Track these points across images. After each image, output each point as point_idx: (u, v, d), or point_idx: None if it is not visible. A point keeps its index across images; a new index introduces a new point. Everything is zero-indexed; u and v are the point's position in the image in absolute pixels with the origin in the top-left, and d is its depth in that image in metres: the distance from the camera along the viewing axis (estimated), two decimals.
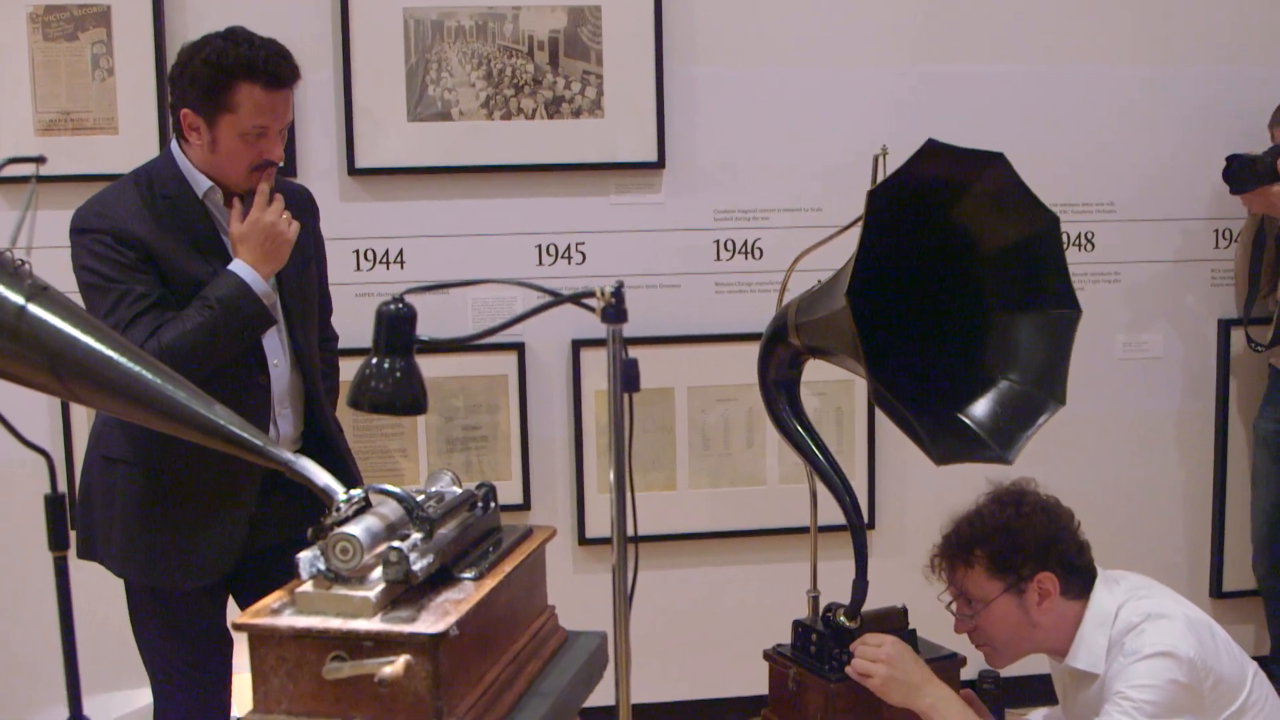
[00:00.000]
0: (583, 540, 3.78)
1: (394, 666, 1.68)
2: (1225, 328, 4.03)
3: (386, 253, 3.68)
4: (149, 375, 1.93)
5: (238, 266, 2.53)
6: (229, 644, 2.72)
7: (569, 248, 3.75)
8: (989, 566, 2.60)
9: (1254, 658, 3.78)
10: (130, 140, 3.52)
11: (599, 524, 3.78)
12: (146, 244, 2.49)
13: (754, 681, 2.87)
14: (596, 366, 3.75)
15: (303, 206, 2.78)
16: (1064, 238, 3.80)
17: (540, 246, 3.74)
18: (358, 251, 3.67)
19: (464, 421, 3.74)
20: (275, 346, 2.65)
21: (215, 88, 2.50)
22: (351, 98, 3.59)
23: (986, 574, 2.60)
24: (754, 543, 3.89)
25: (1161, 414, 4.08)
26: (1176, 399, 4.08)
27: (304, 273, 2.75)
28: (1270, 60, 3.97)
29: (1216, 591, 4.14)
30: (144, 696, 3.57)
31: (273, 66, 2.51)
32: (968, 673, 3.60)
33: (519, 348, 3.73)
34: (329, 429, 2.77)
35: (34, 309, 1.90)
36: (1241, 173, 3.71)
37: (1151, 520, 4.12)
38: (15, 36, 3.49)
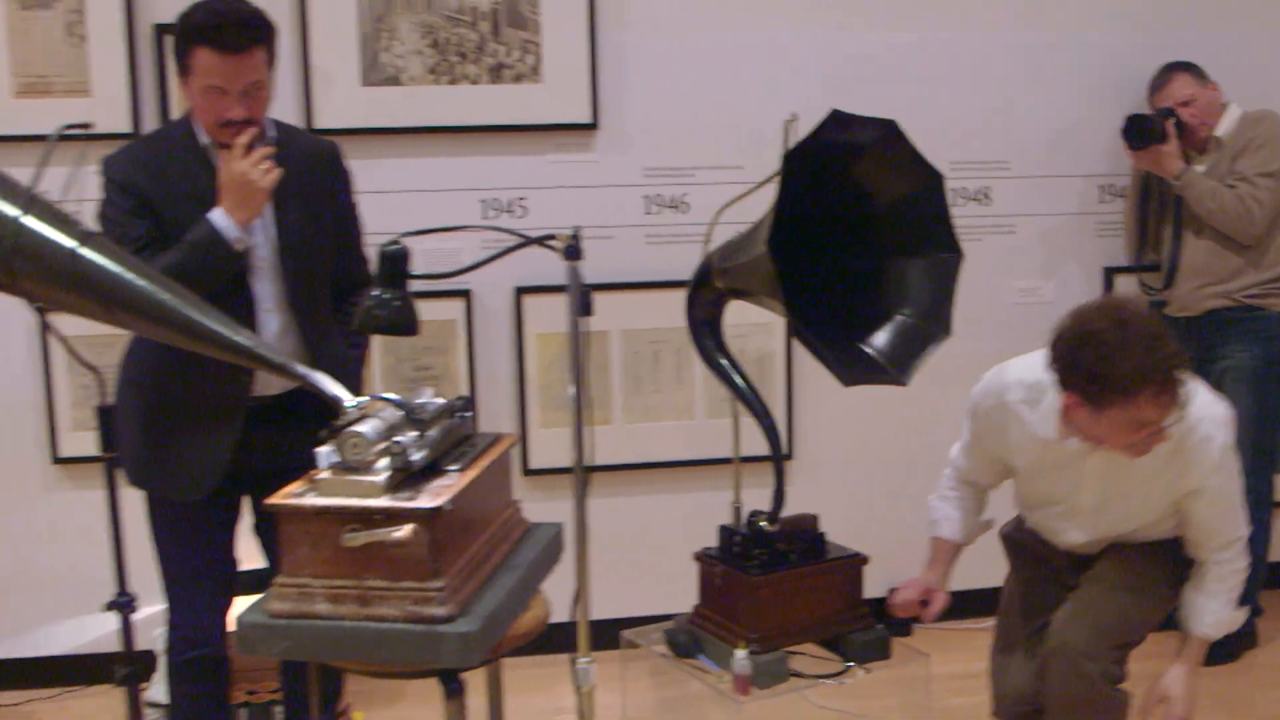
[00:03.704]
0: (527, 471, 4.31)
1: (403, 531, 2.21)
2: (1109, 275, 4.63)
3: None
4: (181, 305, 2.43)
5: (213, 212, 2.88)
6: (232, 560, 3.20)
7: (511, 202, 4.26)
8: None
9: None
10: (101, 103, 3.98)
11: (541, 456, 4.32)
12: (145, 192, 2.90)
13: (687, 598, 3.38)
14: (536, 312, 4.28)
15: (316, 163, 3.10)
16: (961, 193, 4.43)
17: (484, 201, 4.25)
18: None
19: (416, 362, 4.25)
20: (267, 293, 3.01)
21: (180, 51, 2.90)
22: (309, 62, 4.06)
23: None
24: (683, 472, 4.45)
25: None
26: None
27: (311, 225, 3.04)
28: (1150, 28, 4.52)
29: None
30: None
31: (223, 33, 2.82)
32: (877, 589, 4.17)
33: (466, 294, 4.25)
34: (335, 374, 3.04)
35: (84, 251, 2.39)
36: (1139, 132, 4.23)
37: None
38: None
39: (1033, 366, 2.98)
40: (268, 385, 3.04)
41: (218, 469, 3.02)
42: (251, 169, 2.87)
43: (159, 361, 2.96)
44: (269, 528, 3.13)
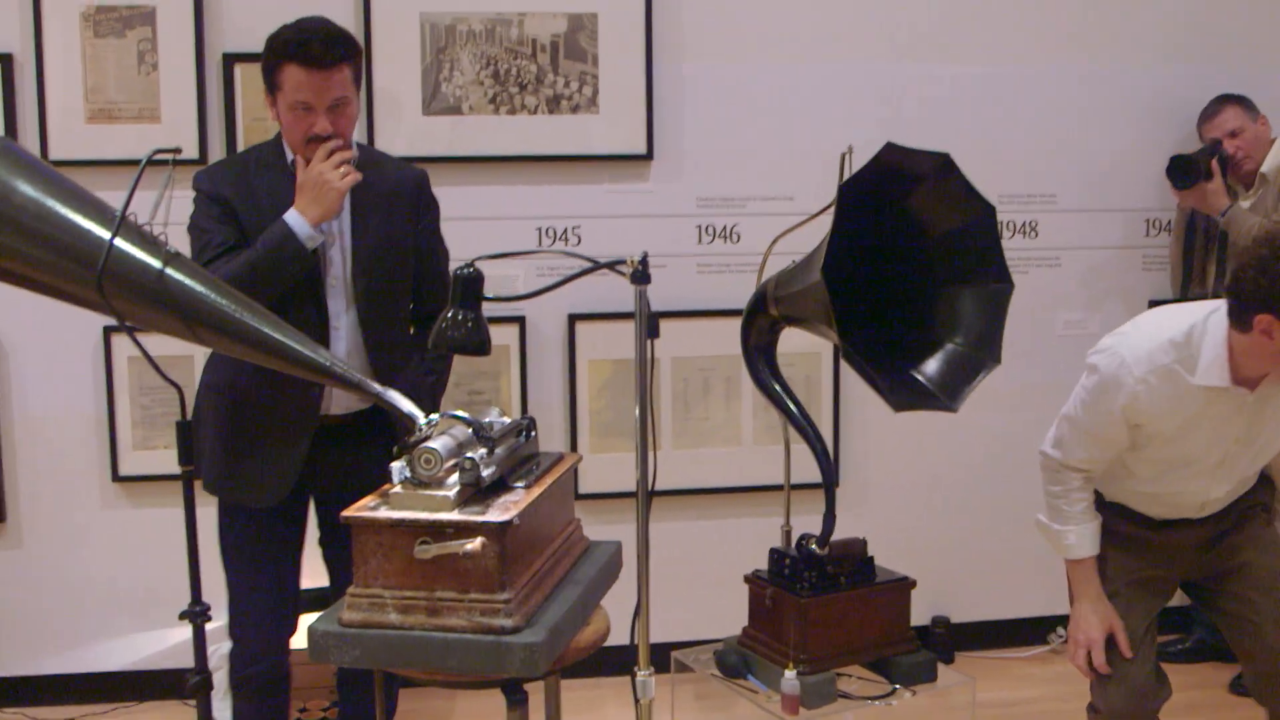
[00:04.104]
0: (579, 496, 4.39)
1: (474, 544, 2.30)
2: (1154, 308, 4.68)
3: None
4: (260, 324, 2.53)
5: (288, 213, 2.99)
6: (296, 581, 3.30)
7: (566, 230, 4.37)
8: None
9: (1179, 607, 4.39)
10: (170, 129, 4.12)
11: (592, 481, 4.41)
12: (230, 202, 3.05)
13: (736, 622, 3.43)
14: (589, 338, 4.37)
15: (400, 188, 3.22)
16: (1009, 225, 4.51)
17: (540, 229, 4.36)
18: None
19: (469, 387, 4.35)
20: (340, 309, 3.13)
21: (268, 69, 3.05)
22: (372, 92, 4.19)
23: None
24: (731, 498, 4.52)
25: None
26: None
27: (387, 247, 3.16)
28: (1199, 60, 4.62)
29: None
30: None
31: (310, 49, 2.96)
32: (921, 616, 4.23)
33: (520, 320, 4.35)
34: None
35: (170, 271, 2.50)
36: (1183, 171, 4.31)
37: None
38: (69, 33, 4.08)
39: (1158, 330, 3.03)
40: (338, 405, 3.15)
41: (288, 480, 3.13)
42: (328, 169, 2.98)
43: (237, 375, 3.09)
44: (335, 544, 3.24)
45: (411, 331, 3.36)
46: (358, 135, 4.14)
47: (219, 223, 3.04)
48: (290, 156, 3.10)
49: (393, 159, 3.35)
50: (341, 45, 3.03)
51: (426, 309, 3.30)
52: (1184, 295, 4.59)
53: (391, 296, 3.22)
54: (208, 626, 2.77)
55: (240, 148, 4.14)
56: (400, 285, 3.24)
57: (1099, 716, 3.26)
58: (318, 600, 3.40)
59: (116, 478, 4.29)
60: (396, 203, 3.21)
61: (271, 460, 3.13)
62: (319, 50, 2.97)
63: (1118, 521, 3.29)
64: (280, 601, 3.24)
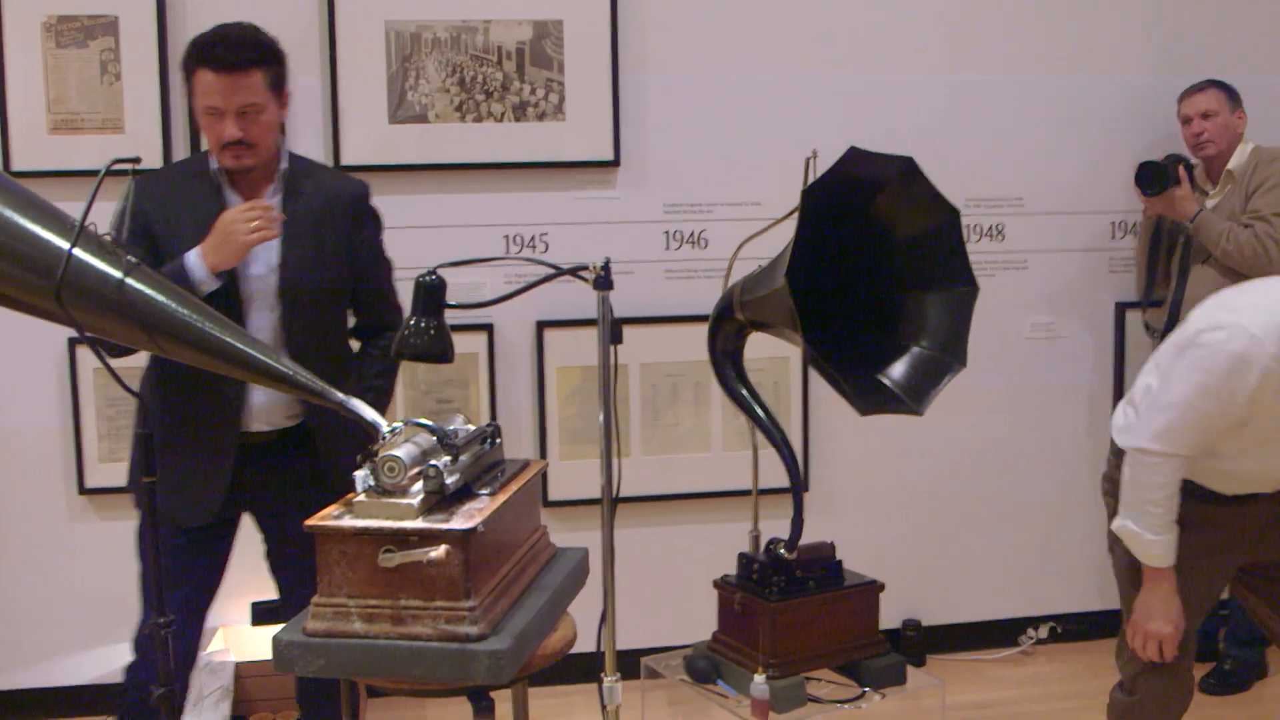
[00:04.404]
0: (547, 503, 4.39)
1: (438, 552, 2.29)
2: (1121, 310, 4.73)
3: None
4: (221, 333, 2.51)
5: (190, 252, 2.97)
6: (211, 594, 3.26)
7: (534, 237, 4.37)
8: None
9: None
10: (134, 139, 4.09)
11: (561, 488, 4.41)
12: (149, 219, 3.02)
13: (705, 628, 3.44)
14: (557, 345, 4.37)
15: (336, 202, 3.18)
16: (975, 229, 4.53)
17: (508, 236, 4.35)
18: None
19: (438, 395, 4.34)
20: (265, 323, 3.08)
21: (185, 73, 3.05)
22: (338, 101, 4.18)
23: None
24: (700, 504, 4.52)
25: (1064, 387, 4.77)
26: (1078, 374, 4.78)
27: (316, 262, 3.12)
28: (1166, 67, 4.65)
29: None
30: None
31: (220, 52, 2.96)
32: (892, 620, 4.24)
33: (488, 328, 4.34)
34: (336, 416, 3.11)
35: (130, 281, 2.48)
36: (1151, 177, 4.32)
37: (1053, 479, 4.81)
38: (30, 43, 4.06)
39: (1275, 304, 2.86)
40: (259, 422, 3.14)
41: (216, 499, 3.12)
42: (241, 220, 2.96)
43: (160, 393, 3.09)
44: (283, 561, 3.24)
45: (355, 346, 3.34)
46: (324, 142, 4.18)
47: (135, 239, 3.00)
48: (214, 165, 3.09)
49: (332, 171, 3.34)
50: (253, 50, 3.02)
51: (367, 324, 3.31)
52: (1148, 297, 4.61)
53: (320, 310, 3.19)
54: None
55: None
56: (331, 299, 3.22)
57: (1134, 700, 3.20)
58: (272, 614, 3.37)
59: (83, 490, 4.27)
60: (330, 216, 3.17)
61: (197, 478, 3.12)
62: (225, 53, 2.97)
63: (1183, 499, 3.02)
64: (185, 624, 3.15)
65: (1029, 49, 4.61)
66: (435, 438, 2.48)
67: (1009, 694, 4.46)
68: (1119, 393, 4.74)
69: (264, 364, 2.51)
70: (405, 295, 2.88)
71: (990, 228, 4.63)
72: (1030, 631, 4.82)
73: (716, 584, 3.38)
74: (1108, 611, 4.84)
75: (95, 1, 4.07)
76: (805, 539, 3.30)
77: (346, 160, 4.18)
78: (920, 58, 4.55)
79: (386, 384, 3.33)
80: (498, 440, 2.71)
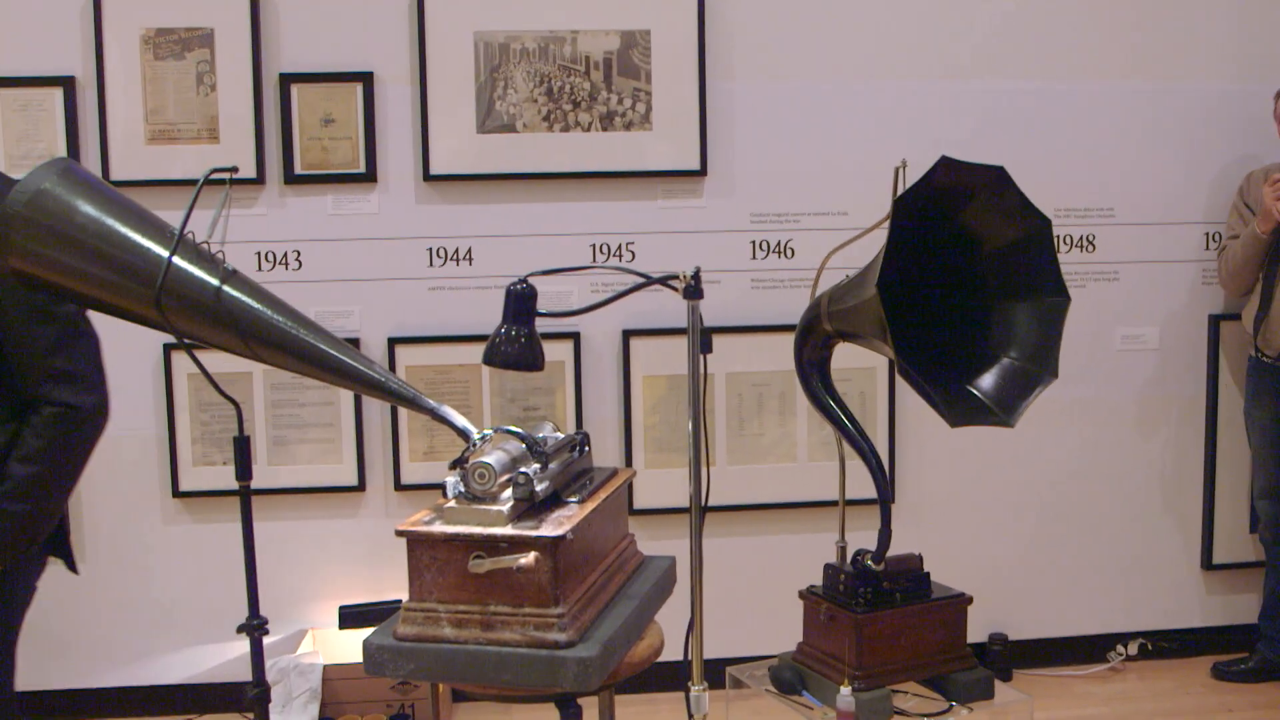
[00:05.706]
0: (633, 511, 4.40)
1: (528, 558, 2.30)
2: (1215, 322, 4.65)
3: (456, 251, 4.32)
4: (315, 339, 2.55)
5: None
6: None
7: (620, 246, 4.38)
8: None
9: (1244, 625, 4.36)
10: (229, 149, 4.17)
11: (646, 497, 4.42)
12: None
13: (790, 638, 3.41)
14: (644, 354, 4.38)
15: None
16: (1066, 239, 4.48)
17: (594, 245, 4.37)
18: (430, 249, 4.31)
19: (523, 402, 4.37)
20: None
21: None
22: (427, 111, 4.22)
23: None
24: (785, 514, 4.51)
25: (1157, 400, 4.70)
26: (1170, 386, 4.70)
27: None
28: (1256, 74, 4.58)
29: (1207, 564, 4.75)
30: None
31: None
32: (978, 633, 4.20)
33: (575, 336, 4.36)
34: None
35: (227, 289, 2.53)
36: None
37: (1147, 495, 4.74)
38: (129, 56, 4.15)
39: None
40: None
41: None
42: None
43: None
44: None
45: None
46: (414, 152, 4.23)
47: None
48: None
49: None
50: None
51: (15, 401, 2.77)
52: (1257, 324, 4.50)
53: None
54: (266, 640, 2.79)
55: (298, 168, 4.20)
56: None
57: None
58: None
59: (177, 493, 4.34)
60: None
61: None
62: None
63: None
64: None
65: (1119, 58, 4.56)
66: (525, 445, 2.50)
67: (1097, 711, 4.40)
68: (1211, 405, 4.67)
69: (356, 370, 2.55)
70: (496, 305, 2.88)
71: (1081, 238, 4.58)
72: (1119, 648, 4.74)
73: (802, 594, 3.37)
74: (1199, 629, 4.78)
75: (192, 15, 4.16)
76: (892, 551, 3.28)
77: (435, 170, 4.23)
78: (1011, 65, 4.50)
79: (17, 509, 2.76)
80: (586, 448, 2.72)
